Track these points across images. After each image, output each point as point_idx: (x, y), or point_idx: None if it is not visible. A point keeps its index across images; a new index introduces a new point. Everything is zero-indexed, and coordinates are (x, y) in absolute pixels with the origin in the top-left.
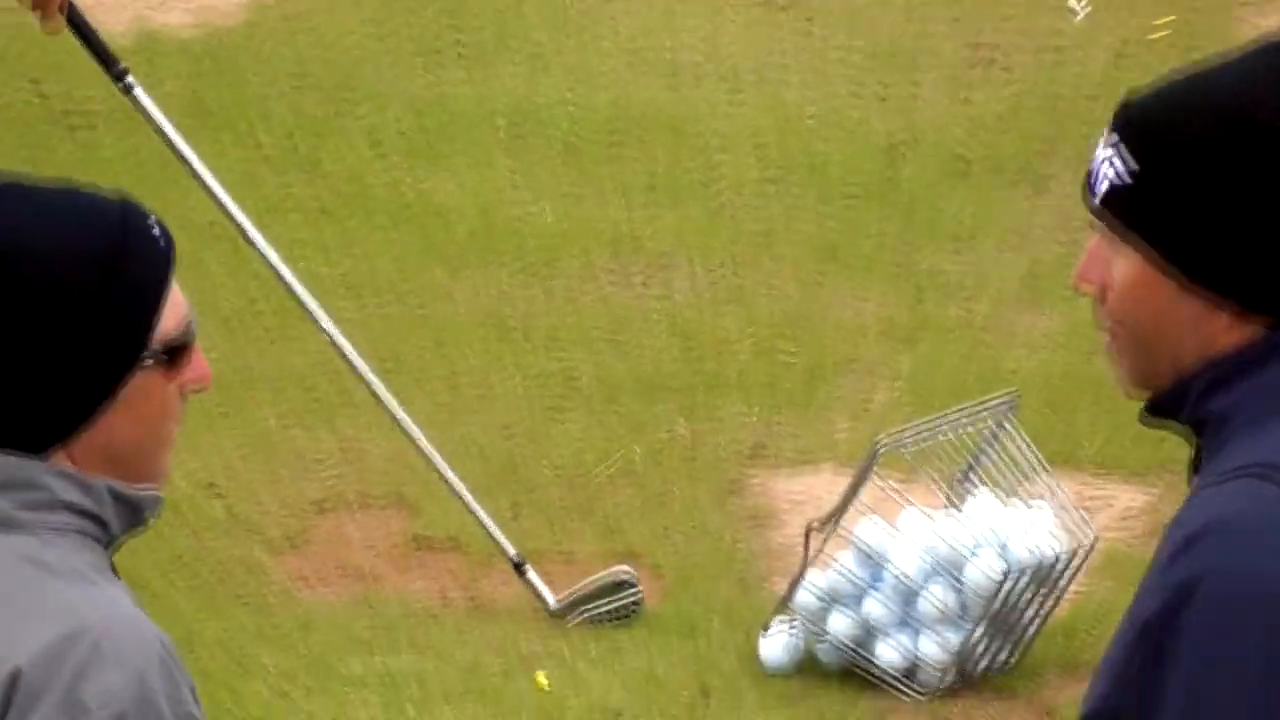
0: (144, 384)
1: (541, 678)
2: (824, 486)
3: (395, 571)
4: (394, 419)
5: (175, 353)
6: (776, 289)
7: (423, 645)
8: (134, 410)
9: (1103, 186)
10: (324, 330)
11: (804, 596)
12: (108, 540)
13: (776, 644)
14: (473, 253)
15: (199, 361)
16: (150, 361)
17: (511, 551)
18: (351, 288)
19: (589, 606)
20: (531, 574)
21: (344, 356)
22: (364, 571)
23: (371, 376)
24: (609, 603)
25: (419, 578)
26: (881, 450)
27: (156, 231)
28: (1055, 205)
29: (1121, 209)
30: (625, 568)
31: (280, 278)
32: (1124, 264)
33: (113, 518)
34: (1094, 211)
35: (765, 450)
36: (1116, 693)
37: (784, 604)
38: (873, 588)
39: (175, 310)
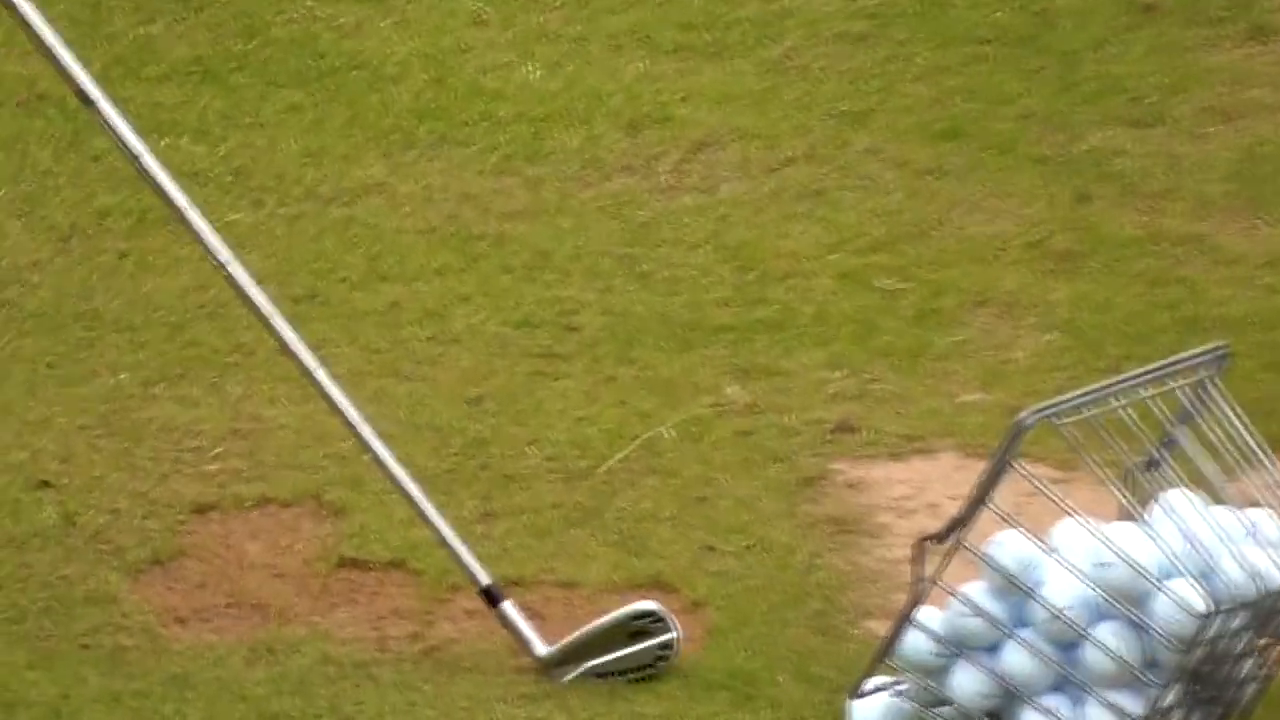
0: None
1: None
2: (942, 481)
3: (311, 605)
4: (309, 380)
5: None
6: (871, 186)
7: (351, 714)
8: None
9: None
10: (205, 248)
11: (913, 643)
12: None
13: (872, 714)
14: (422, 130)
15: None
16: None
17: (482, 577)
18: (243, 181)
19: (596, 658)
20: (510, 610)
21: (234, 287)
22: (265, 604)
23: (275, 317)
24: (626, 652)
25: (346, 614)
26: (1028, 428)
27: None
28: None
29: None
30: (650, 603)
31: (138, 167)
32: None
33: None
34: None
35: (856, 427)
36: None
37: (884, 655)
38: (1016, 631)
39: None
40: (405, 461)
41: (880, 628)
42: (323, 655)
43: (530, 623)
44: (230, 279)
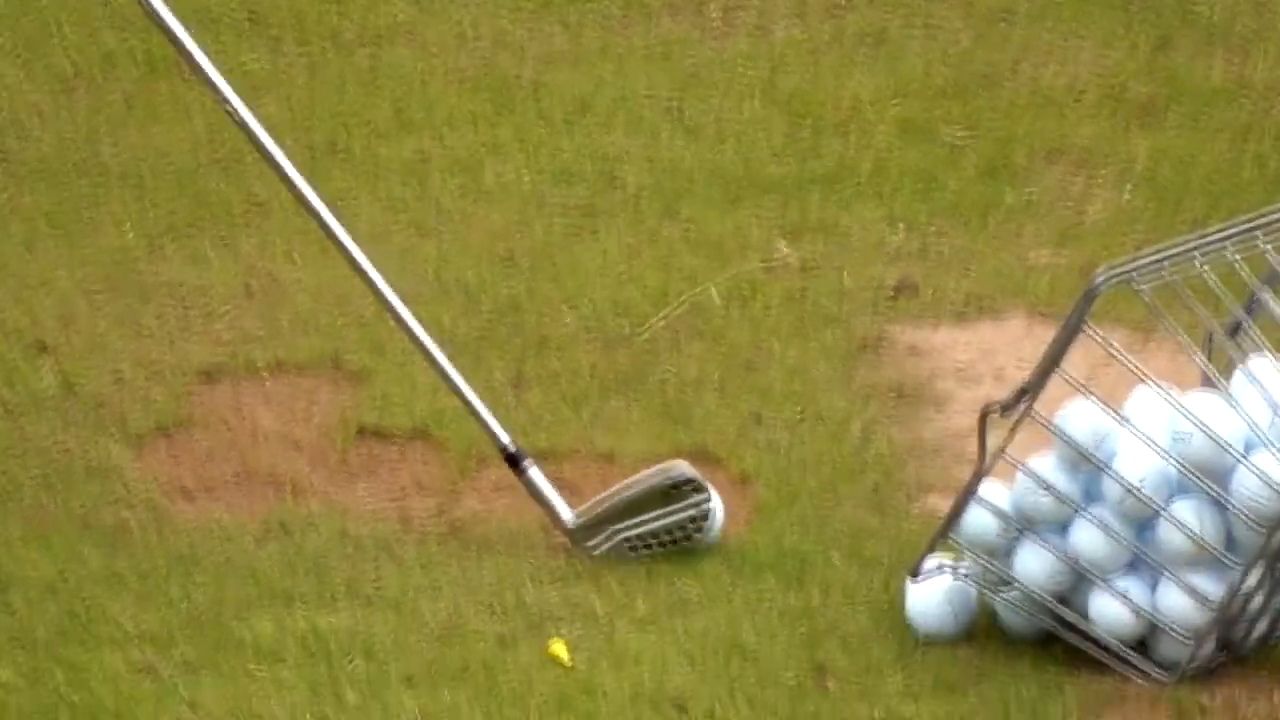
0: None
1: (559, 647)
2: (1010, 346)
3: (327, 477)
4: (327, 236)
5: None
6: (937, 30)
7: (370, 595)
8: None
9: None
10: (216, 94)
11: (977, 521)
12: None
13: (932, 596)
14: None
15: None
16: None
17: (505, 439)
18: (260, 23)
19: (626, 523)
20: (534, 474)
21: (248, 136)
22: (278, 477)
23: (290, 168)
24: (659, 517)
25: (365, 488)
26: (1103, 289)
27: None
28: None
29: None
30: (681, 464)
31: (146, 8)
32: None
33: None
34: None
35: (917, 287)
36: None
37: (945, 533)
38: (1087, 508)
39: None
40: (431, 324)
41: (941, 504)
42: (340, 532)
43: (562, 494)
44: (243, 127)
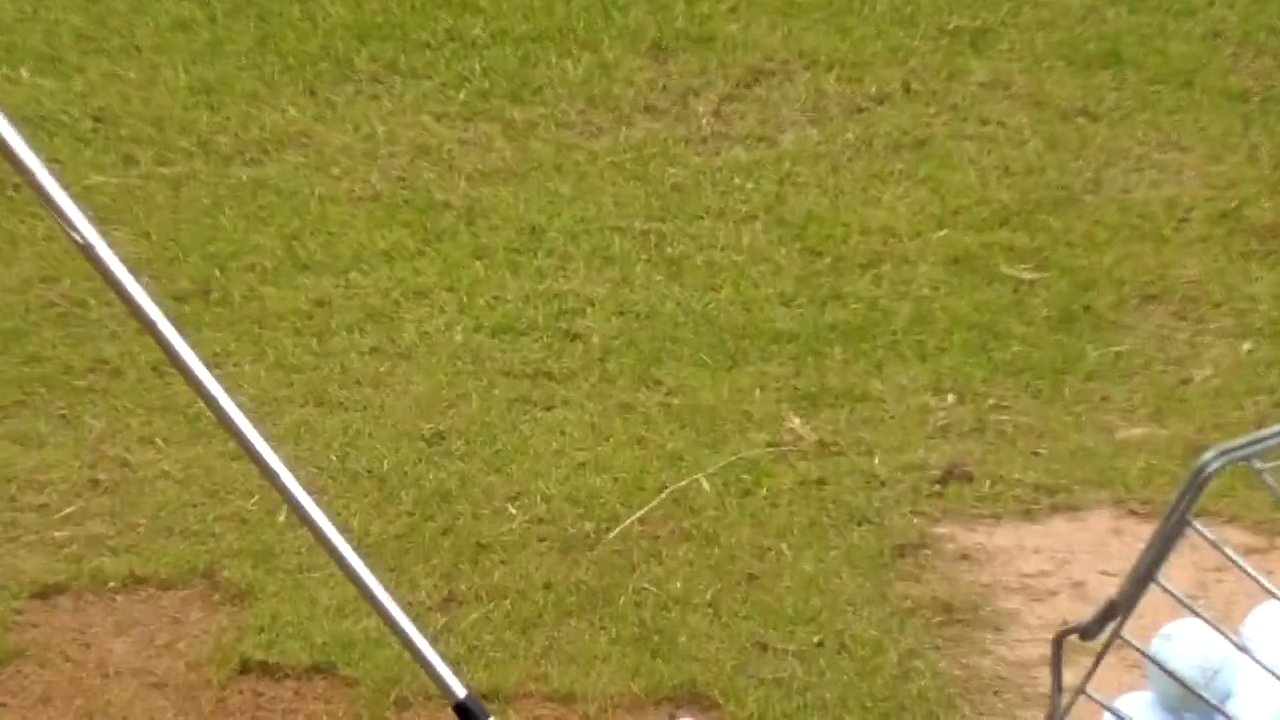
0: None
1: None
2: (1092, 551)
3: None
4: (210, 407)
5: None
6: (994, 132)
7: None
8: None
9: None
10: (61, 220)
11: None
12: None
13: None
14: (362, 56)
15: None
16: None
17: (457, 689)
18: (109, 128)
19: None
20: None
21: (103, 275)
22: None
23: (153, 312)
24: None
25: None
26: (1214, 474)
27: None
28: None
29: None
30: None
31: None
32: None
33: None
34: None
35: (973, 474)
36: None
37: None
38: None
39: None
40: (341, 521)
41: None
42: None
43: None
44: (87, 252)
